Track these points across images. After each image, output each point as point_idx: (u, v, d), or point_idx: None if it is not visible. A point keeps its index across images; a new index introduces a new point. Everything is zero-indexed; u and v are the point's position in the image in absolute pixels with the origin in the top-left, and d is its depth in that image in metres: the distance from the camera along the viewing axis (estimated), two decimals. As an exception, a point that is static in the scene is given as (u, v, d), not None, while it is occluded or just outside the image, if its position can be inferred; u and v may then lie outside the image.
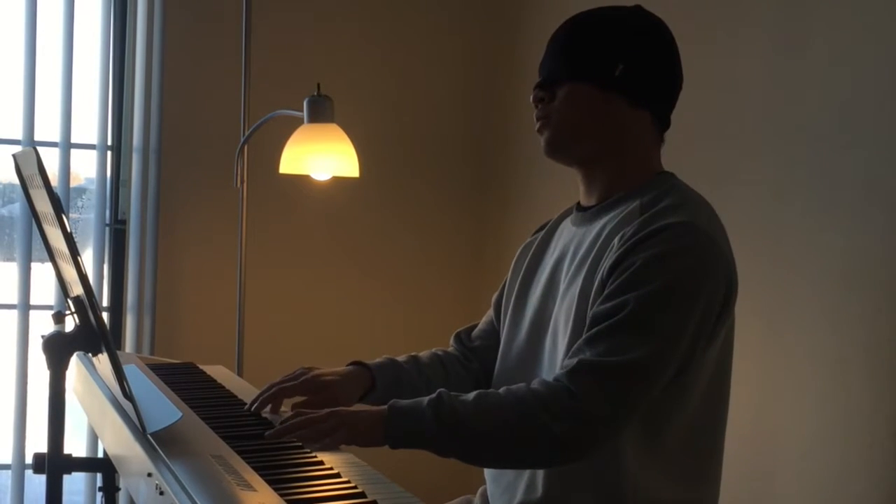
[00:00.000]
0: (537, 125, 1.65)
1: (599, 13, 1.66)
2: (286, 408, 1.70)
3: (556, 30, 1.67)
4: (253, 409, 1.69)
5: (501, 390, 1.53)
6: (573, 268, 1.62)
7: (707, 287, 1.50)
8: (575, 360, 1.48)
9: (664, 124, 1.67)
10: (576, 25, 1.65)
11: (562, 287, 1.63)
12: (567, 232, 1.71)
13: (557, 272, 1.67)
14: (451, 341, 1.91)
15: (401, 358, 1.82)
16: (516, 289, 1.76)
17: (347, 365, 1.78)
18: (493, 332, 1.86)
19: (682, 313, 1.48)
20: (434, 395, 1.50)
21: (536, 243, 1.78)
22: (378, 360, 1.80)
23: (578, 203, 1.71)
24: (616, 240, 1.54)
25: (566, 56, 1.63)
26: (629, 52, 1.60)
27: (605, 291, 1.51)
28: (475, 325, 1.91)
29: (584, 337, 1.50)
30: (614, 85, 1.59)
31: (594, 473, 1.54)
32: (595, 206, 1.66)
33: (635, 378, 1.46)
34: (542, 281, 1.70)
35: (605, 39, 1.61)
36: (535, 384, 1.50)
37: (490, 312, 1.88)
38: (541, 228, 1.82)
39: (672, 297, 1.48)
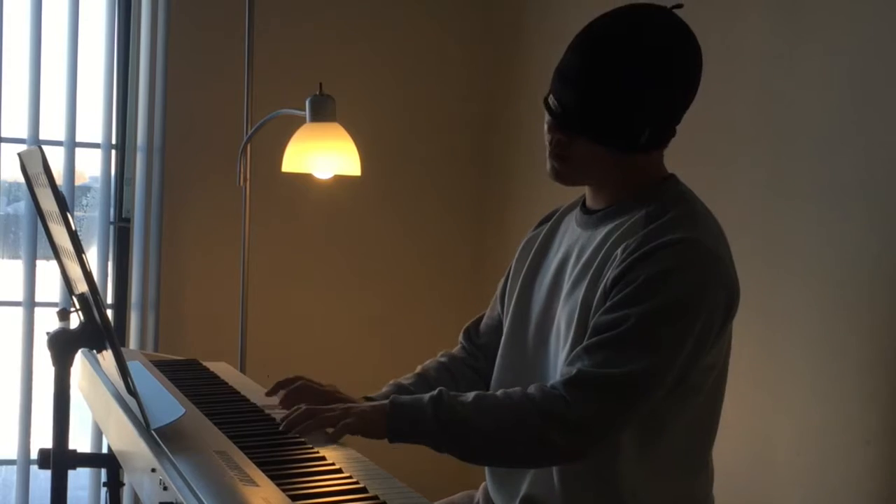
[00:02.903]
0: (548, 151, 1.60)
1: (626, 51, 1.51)
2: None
3: (572, 53, 1.56)
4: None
5: (499, 393, 1.55)
6: (576, 272, 1.62)
7: (708, 303, 1.51)
8: (573, 370, 1.49)
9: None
10: (596, 67, 1.52)
11: (565, 289, 1.64)
12: (571, 232, 1.70)
13: (561, 273, 1.67)
14: (461, 338, 1.92)
15: (407, 380, 1.81)
16: (519, 283, 1.76)
17: (359, 399, 1.76)
18: (499, 326, 1.85)
19: (681, 329, 1.49)
20: (435, 393, 1.53)
21: (540, 238, 1.77)
22: (384, 389, 1.79)
23: (584, 203, 1.71)
24: (619, 250, 1.54)
25: (586, 110, 1.53)
26: (657, 115, 1.54)
27: (608, 303, 1.52)
28: (481, 318, 1.91)
29: (583, 345, 1.51)
30: (640, 149, 1.56)
31: (593, 472, 1.56)
32: (600, 210, 1.65)
33: (630, 390, 1.48)
34: (546, 280, 1.71)
35: (634, 103, 1.52)
36: (531, 389, 1.52)
37: (496, 306, 1.88)
38: (544, 220, 1.81)
39: (673, 314, 1.49)
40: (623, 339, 1.48)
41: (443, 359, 1.88)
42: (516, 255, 1.83)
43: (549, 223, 1.79)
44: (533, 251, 1.77)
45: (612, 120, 1.53)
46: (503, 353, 1.77)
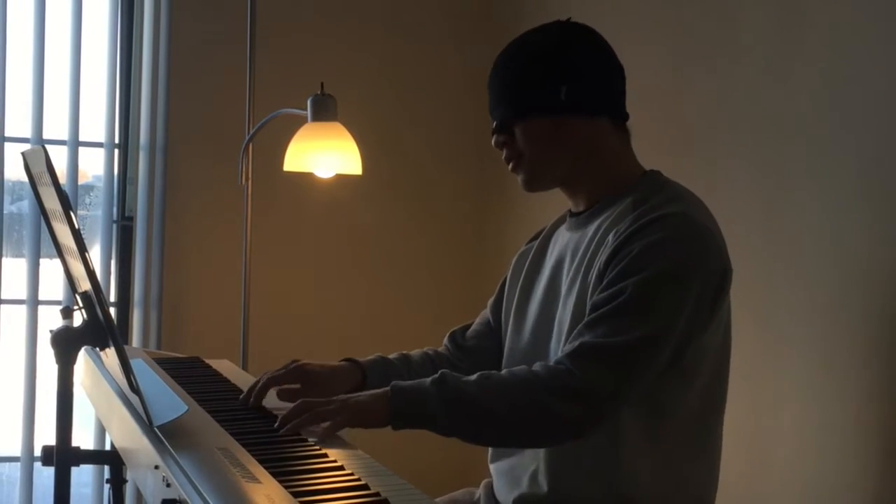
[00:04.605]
0: (510, 166, 1.69)
1: (524, 43, 1.68)
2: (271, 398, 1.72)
3: (490, 71, 1.70)
4: (251, 404, 1.69)
5: (504, 372, 1.57)
6: (573, 270, 1.65)
7: (702, 272, 1.54)
8: (576, 343, 1.52)
9: (623, 118, 1.69)
10: (507, 62, 1.68)
11: (563, 289, 1.66)
12: (562, 238, 1.74)
13: (557, 276, 1.70)
14: (445, 340, 1.93)
15: (392, 356, 1.85)
16: (516, 296, 1.79)
17: (339, 361, 1.80)
18: (487, 332, 1.88)
19: (678, 296, 1.52)
20: (437, 375, 1.53)
21: (533, 251, 1.81)
22: (369, 357, 1.82)
23: (570, 211, 1.75)
24: (611, 236, 1.58)
25: (510, 97, 1.66)
26: (566, 72, 1.63)
27: (604, 281, 1.55)
28: (470, 325, 1.93)
29: (583, 322, 1.54)
30: (564, 109, 1.63)
31: (595, 459, 1.58)
32: (585, 210, 1.69)
33: (634, 357, 1.51)
34: (542, 286, 1.73)
35: (539, 69, 1.64)
36: (536, 366, 1.54)
37: (486, 314, 1.91)
38: (535, 237, 1.86)
39: (669, 281, 1.52)
40: (623, 309, 1.51)
41: (429, 351, 1.90)
42: (510, 271, 1.85)
43: (540, 238, 1.83)
44: (527, 265, 1.80)
45: (527, 90, 1.64)
46: (506, 361, 1.78)
